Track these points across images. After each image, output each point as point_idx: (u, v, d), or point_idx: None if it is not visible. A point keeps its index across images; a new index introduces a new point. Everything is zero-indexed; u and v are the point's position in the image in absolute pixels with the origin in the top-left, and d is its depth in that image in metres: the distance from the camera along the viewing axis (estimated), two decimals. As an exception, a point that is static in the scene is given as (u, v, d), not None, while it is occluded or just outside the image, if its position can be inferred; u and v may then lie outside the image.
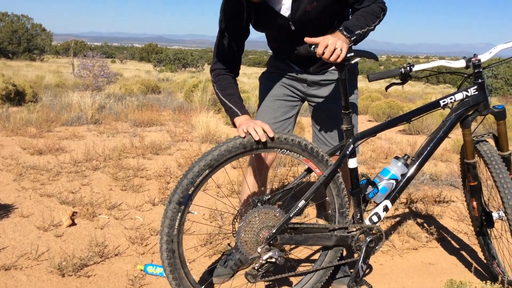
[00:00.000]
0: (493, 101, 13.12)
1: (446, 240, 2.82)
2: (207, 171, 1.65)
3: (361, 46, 1.89)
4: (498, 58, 2.10)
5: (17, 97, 8.04)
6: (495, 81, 25.18)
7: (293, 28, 1.90)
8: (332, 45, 1.59)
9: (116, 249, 2.47)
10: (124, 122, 6.69)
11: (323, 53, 1.60)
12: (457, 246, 2.74)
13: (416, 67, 1.91)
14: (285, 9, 1.86)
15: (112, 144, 5.01)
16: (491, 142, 2.10)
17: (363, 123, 8.20)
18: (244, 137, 1.68)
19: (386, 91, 2.03)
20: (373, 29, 1.84)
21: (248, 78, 30.90)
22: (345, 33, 1.69)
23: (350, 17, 1.93)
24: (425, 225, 2.98)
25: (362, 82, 30.01)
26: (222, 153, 1.65)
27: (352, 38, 1.70)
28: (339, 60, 1.61)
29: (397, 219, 3.08)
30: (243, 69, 60.63)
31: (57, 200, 3.10)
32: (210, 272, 2.21)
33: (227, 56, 1.95)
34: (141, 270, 2.25)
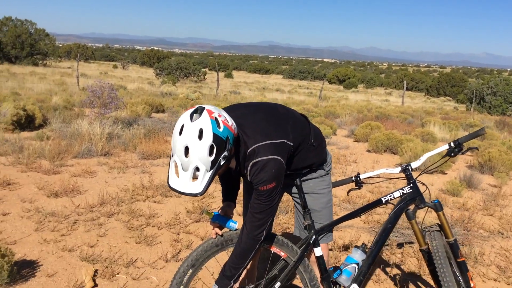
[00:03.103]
0: (492, 118, 13.30)
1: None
2: (190, 270, 2.03)
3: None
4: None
5: (27, 121, 8.30)
6: (494, 98, 25.23)
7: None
8: None
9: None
10: (132, 153, 6.95)
11: None
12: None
13: (363, 176, 2.37)
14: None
15: (123, 182, 5.27)
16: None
17: (362, 154, 8.47)
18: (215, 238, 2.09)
19: (348, 195, 2.39)
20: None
21: (250, 89, 31.22)
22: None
23: None
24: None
25: (366, 102, 30.14)
26: (200, 253, 2.05)
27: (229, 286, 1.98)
28: None
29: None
30: (244, 76, 60.93)
31: (78, 257, 3.35)
32: None
33: None
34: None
